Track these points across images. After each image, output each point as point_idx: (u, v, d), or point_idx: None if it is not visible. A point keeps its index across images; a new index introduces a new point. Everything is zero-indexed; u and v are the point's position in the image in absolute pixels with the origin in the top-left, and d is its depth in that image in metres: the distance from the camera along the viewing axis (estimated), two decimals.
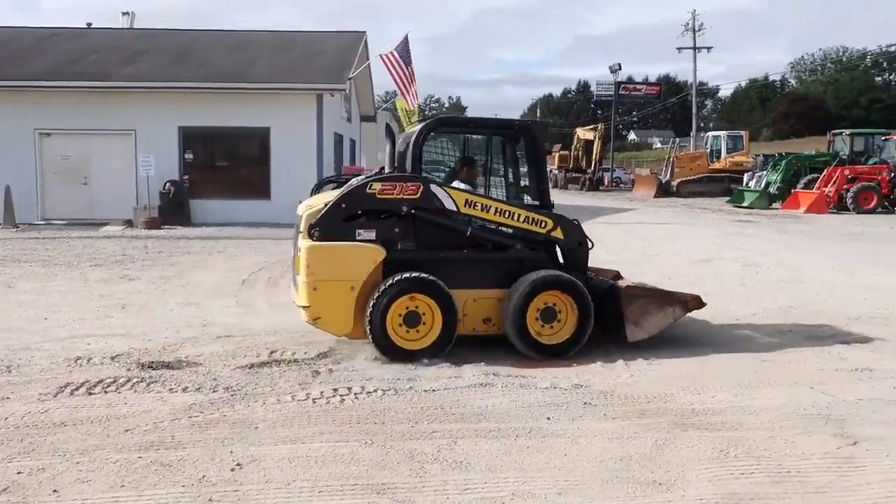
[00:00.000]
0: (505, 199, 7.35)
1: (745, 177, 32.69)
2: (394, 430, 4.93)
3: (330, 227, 6.51)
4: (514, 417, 5.20)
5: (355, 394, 5.66)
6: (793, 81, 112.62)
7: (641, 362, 6.63)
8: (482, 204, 6.83)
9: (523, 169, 7.67)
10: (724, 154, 38.50)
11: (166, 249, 14.57)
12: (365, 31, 24.63)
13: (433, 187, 6.70)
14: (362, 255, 6.55)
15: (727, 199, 31.74)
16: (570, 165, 47.28)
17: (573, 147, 48.01)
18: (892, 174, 26.12)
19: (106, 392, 5.64)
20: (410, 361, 6.46)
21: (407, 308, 6.56)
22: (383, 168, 7.67)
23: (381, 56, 20.14)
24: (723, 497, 3.97)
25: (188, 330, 7.84)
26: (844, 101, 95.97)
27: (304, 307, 6.58)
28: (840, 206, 26.18)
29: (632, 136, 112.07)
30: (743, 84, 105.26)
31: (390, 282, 6.48)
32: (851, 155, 28.53)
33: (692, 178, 37.39)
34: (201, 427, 4.93)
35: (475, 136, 7.97)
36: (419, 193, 6.61)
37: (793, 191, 28.09)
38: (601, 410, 5.37)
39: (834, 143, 30.42)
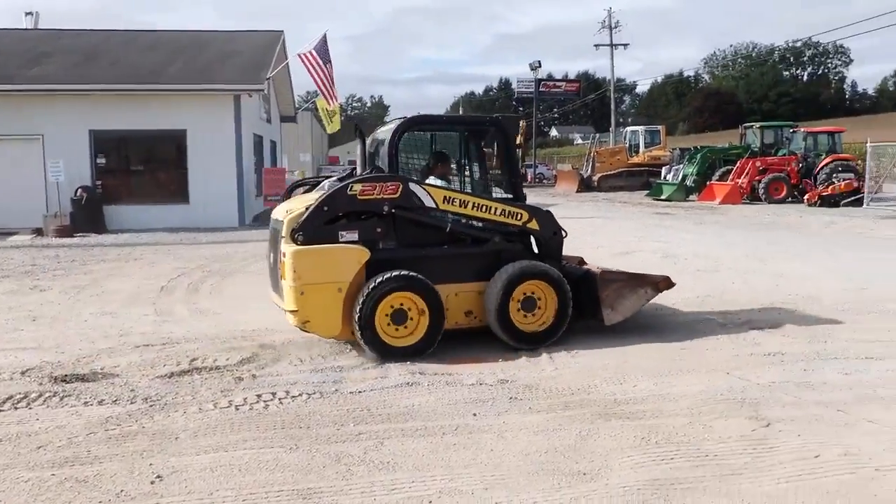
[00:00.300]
0: (479, 193, 7.48)
1: (663, 170, 33.48)
2: (319, 433, 4.87)
3: (313, 230, 6.51)
4: (441, 415, 5.21)
5: (280, 399, 5.57)
6: (706, 77, 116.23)
7: (565, 355, 6.73)
8: (460, 200, 6.98)
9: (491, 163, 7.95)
10: (642, 148, 39.37)
11: (79, 258, 14.07)
12: (282, 31, 24.32)
13: (412, 186, 6.80)
14: (348, 256, 6.58)
15: (646, 192, 32.47)
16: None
17: None
18: (801, 165, 27.15)
19: (16, 408, 5.42)
20: (402, 359, 6.52)
21: (393, 306, 6.61)
22: (354, 169, 7.66)
23: (299, 55, 19.91)
24: (644, 483, 4.05)
25: (104, 340, 7.58)
26: (755, 95, 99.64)
27: (291, 311, 6.51)
28: (753, 197, 27.08)
29: (553, 132, 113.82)
30: (659, 80, 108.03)
31: (377, 281, 6.52)
32: (762, 147, 29.54)
33: (612, 172, 38.10)
34: (118, 440, 4.78)
35: (446, 134, 8.10)
36: (399, 193, 6.70)
37: (708, 183, 28.97)
38: (526, 404, 5.42)
39: (745, 136, 31.46)
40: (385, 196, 6.65)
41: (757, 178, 27.10)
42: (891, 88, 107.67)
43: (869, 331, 7.51)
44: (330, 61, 20.15)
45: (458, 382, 5.93)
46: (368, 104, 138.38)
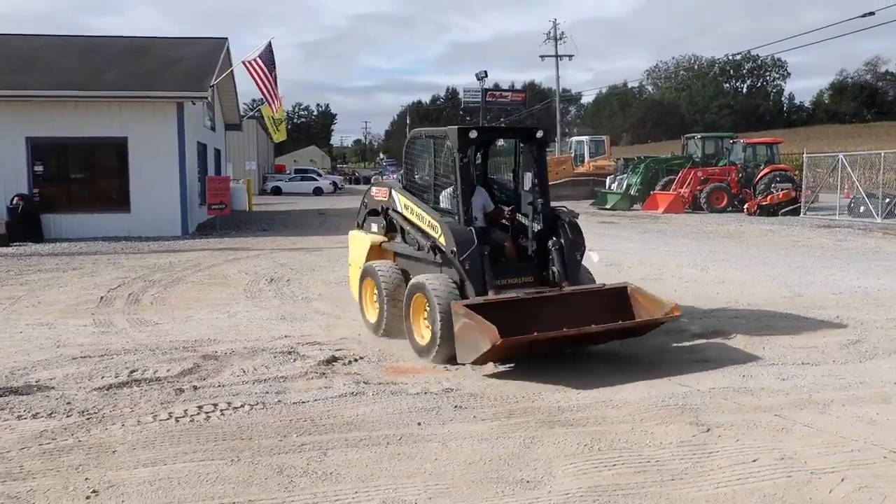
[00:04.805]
0: None
1: (608, 180, 33.91)
2: (261, 445, 4.81)
3: None
4: (385, 425, 5.18)
5: (221, 410, 5.48)
6: (650, 88, 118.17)
7: (511, 362, 6.75)
8: None
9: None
10: (587, 158, 39.83)
11: (15, 268, 13.67)
12: (227, 38, 23.97)
13: None
14: None
15: (591, 201, 32.85)
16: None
17: None
18: (740, 175, 27.77)
19: None
20: None
21: None
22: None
23: (244, 63, 19.74)
24: (587, 490, 4.08)
25: (39, 352, 7.37)
26: (697, 106, 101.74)
27: None
28: (695, 206, 27.60)
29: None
30: (604, 91, 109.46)
31: None
32: (703, 158, 30.13)
33: (558, 181, 38.21)
34: (53, 455, 4.64)
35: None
36: None
37: (651, 192, 29.44)
38: (471, 413, 5.43)
39: (687, 147, 32.04)
40: None
41: (698, 187, 27.65)
42: (826, 101, 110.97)
43: (805, 337, 7.71)
44: (275, 69, 20.00)
45: (403, 391, 5.91)
46: (315, 113, 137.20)
